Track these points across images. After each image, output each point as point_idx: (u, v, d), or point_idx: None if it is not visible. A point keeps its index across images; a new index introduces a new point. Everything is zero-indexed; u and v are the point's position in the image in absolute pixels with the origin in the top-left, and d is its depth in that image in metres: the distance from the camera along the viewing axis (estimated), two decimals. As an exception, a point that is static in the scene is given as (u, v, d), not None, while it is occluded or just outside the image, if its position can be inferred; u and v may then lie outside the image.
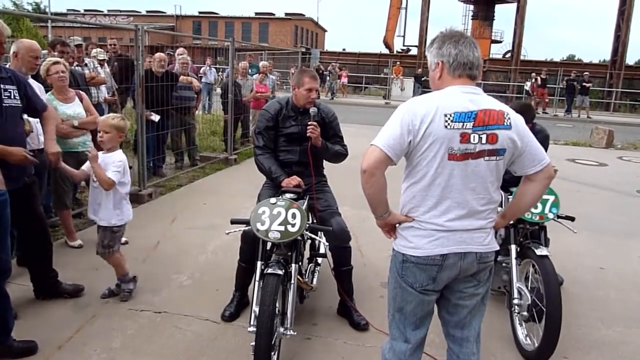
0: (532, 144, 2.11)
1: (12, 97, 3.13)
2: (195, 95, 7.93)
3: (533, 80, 20.98)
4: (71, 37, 6.85)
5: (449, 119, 1.96)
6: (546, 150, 3.78)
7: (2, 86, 3.06)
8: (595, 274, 4.51)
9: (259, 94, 9.33)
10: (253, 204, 3.48)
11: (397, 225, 2.19)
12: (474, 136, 1.98)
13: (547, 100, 21.62)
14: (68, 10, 55.90)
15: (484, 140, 1.99)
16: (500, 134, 2.01)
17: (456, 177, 2.01)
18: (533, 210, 3.37)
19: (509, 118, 2.04)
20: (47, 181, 4.28)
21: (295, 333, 2.79)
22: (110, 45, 8.01)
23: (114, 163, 3.40)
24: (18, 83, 3.19)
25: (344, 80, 25.72)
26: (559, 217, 3.50)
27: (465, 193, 2.04)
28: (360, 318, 3.40)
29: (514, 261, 3.32)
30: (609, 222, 6.15)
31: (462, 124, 1.97)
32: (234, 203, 5.97)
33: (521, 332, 3.24)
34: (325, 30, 62.78)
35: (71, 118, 4.20)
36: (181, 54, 8.18)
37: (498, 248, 2.24)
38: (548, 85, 21.56)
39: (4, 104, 3.06)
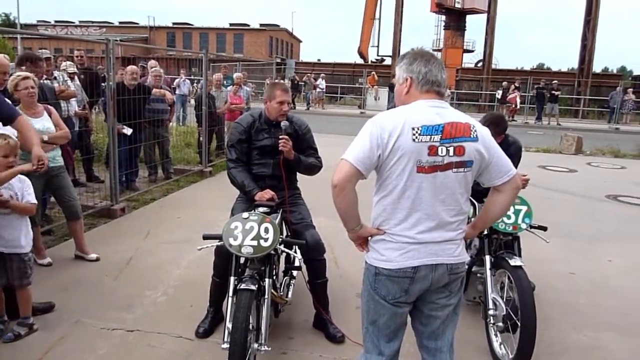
0: (499, 155, 2.15)
1: None
2: (169, 108, 7.85)
3: (513, 90, 21.36)
4: (40, 50, 6.73)
5: (416, 132, 1.99)
6: (519, 161, 3.85)
7: None
8: (566, 280, 4.60)
9: (234, 106, 9.31)
10: (228, 216, 3.45)
11: (369, 238, 2.21)
12: (441, 149, 2.02)
13: (517, 108, 22.07)
14: (38, 21, 55.14)
15: (451, 153, 2.03)
16: (467, 146, 2.05)
17: (425, 190, 2.04)
18: (506, 220, 3.42)
19: (475, 130, 2.08)
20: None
21: (270, 349, 2.77)
22: (77, 57, 7.73)
23: (25, 183, 3.24)
24: None
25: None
26: (532, 227, 3.55)
27: (435, 205, 2.06)
28: (336, 331, 3.39)
29: (488, 272, 3.34)
30: (579, 227, 6.30)
31: (429, 137, 2.00)
32: (209, 216, 5.91)
33: (496, 342, 3.26)
34: (300, 41, 63.09)
35: (40, 133, 4.10)
36: (154, 67, 8.10)
37: (469, 259, 2.28)
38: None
39: None
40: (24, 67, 4.76)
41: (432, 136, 2.01)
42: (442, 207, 2.07)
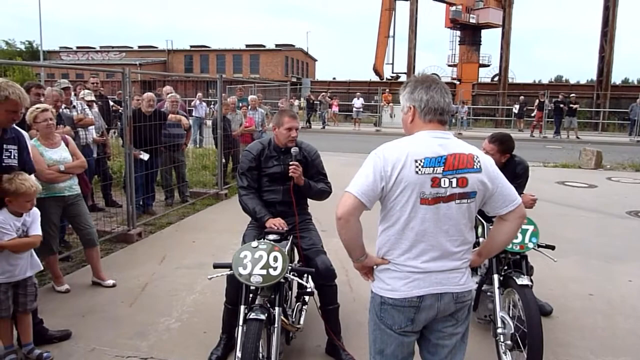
0: (503, 184, 2.15)
1: (12, 156, 3.20)
2: (185, 132, 7.98)
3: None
4: (58, 81, 6.93)
5: (419, 164, 2.01)
6: (527, 181, 3.85)
7: (4, 146, 3.15)
8: (584, 301, 4.50)
9: (245, 129, 9.42)
10: (241, 240, 3.49)
11: (374, 267, 2.22)
12: (444, 180, 2.03)
13: (541, 123, 21.87)
14: (60, 47, 56.71)
15: (454, 184, 2.04)
16: (470, 178, 2.05)
17: (429, 221, 2.05)
18: (514, 240, 3.40)
19: (479, 161, 2.09)
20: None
21: (281, 377, 2.77)
22: (93, 84, 7.83)
23: (35, 215, 3.30)
24: (20, 145, 3.27)
25: (335, 109, 26.02)
26: (539, 246, 3.56)
27: (438, 236, 2.07)
28: (348, 357, 3.37)
29: (496, 291, 3.36)
30: (598, 245, 6.17)
31: (432, 168, 2.02)
32: (224, 240, 5.95)
33: None
34: (315, 60, 63.64)
35: (57, 163, 4.23)
36: (170, 92, 8.26)
37: (475, 287, 2.27)
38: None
39: (3, 164, 3.14)
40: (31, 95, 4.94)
41: (435, 168, 2.02)
42: (446, 237, 2.08)
